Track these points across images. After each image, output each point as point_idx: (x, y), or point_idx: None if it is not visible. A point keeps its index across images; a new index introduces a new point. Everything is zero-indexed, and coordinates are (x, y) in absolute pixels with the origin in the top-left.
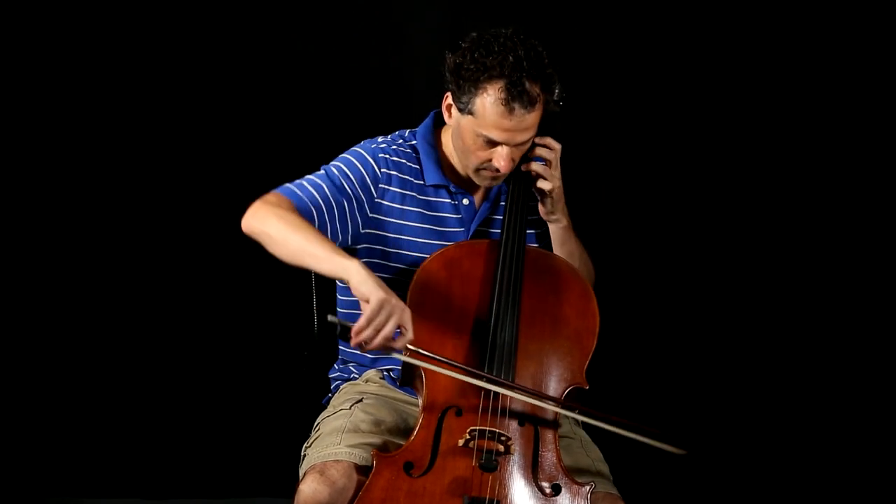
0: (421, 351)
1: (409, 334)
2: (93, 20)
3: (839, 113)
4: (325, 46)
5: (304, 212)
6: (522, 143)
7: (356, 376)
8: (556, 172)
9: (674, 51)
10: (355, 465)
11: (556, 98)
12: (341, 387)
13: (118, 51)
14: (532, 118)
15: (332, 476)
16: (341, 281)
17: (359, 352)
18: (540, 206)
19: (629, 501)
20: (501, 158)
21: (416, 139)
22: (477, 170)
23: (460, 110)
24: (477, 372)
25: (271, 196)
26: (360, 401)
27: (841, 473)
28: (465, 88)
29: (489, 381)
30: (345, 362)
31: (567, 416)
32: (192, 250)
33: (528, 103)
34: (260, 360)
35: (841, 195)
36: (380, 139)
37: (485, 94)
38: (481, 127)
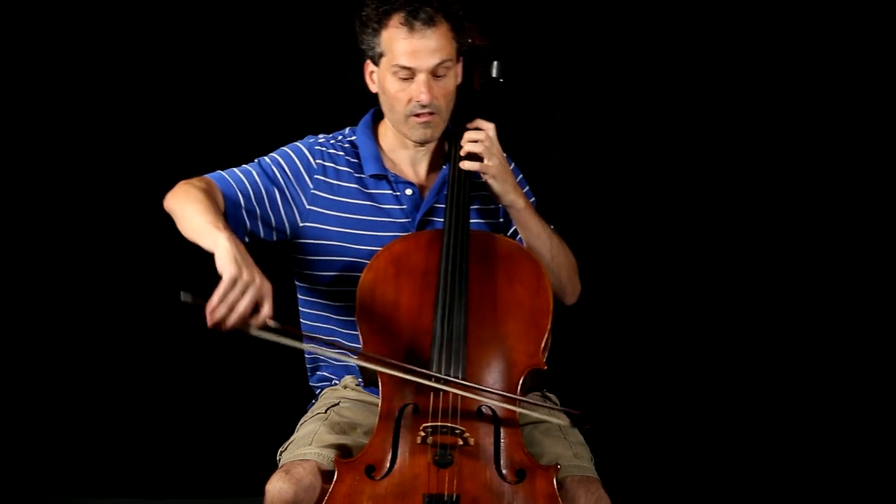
0: (288, 330)
1: (266, 309)
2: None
3: (839, 113)
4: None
5: (228, 194)
6: (436, 70)
7: (336, 382)
8: (493, 151)
9: (674, 51)
10: (322, 470)
11: (464, 27)
12: (323, 392)
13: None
14: (436, 37)
15: (298, 474)
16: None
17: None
18: (490, 190)
19: (613, 487)
20: (420, 87)
21: (355, 135)
22: (407, 119)
23: (374, 60)
24: (387, 360)
25: (196, 179)
26: (337, 405)
27: (836, 473)
28: (372, 34)
29: (427, 376)
30: (314, 371)
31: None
32: (191, 254)
33: (428, 20)
34: (260, 362)
35: (841, 195)
36: (320, 136)
37: (388, 28)
38: (392, 59)
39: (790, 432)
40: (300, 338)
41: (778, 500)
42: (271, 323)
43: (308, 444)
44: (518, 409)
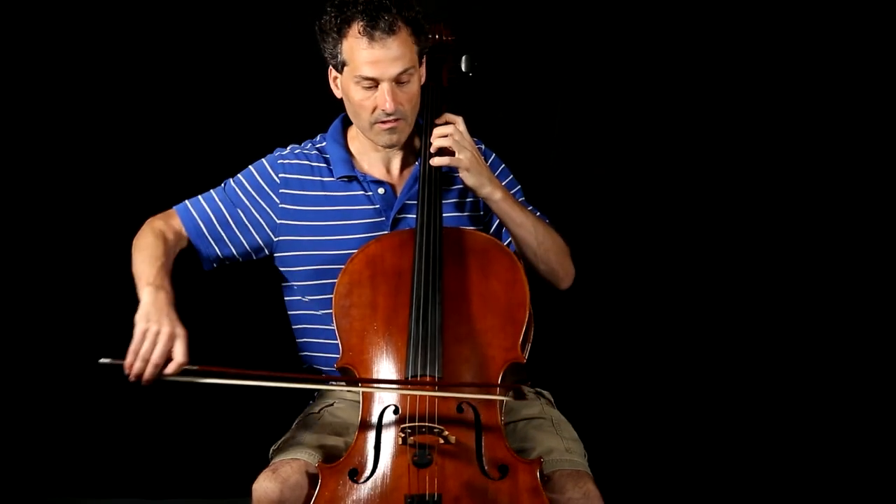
0: (212, 370)
1: (178, 357)
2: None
3: (839, 113)
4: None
5: (189, 225)
6: (399, 78)
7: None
8: (464, 143)
9: (674, 51)
10: (309, 472)
11: (424, 30)
12: (320, 393)
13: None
14: (398, 45)
15: (284, 473)
16: None
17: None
18: (464, 183)
19: (610, 484)
20: (384, 96)
21: (325, 141)
22: (372, 126)
23: (338, 69)
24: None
25: (159, 216)
26: (332, 405)
27: (833, 474)
28: (333, 43)
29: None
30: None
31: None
32: (190, 254)
33: (388, 28)
34: (261, 364)
35: (841, 195)
36: (288, 147)
37: (348, 37)
38: (355, 69)
39: (784, 431)
40: (230, 375)
41: (771, 498)
42: (189, 367)
43: (298, 444)
44: (496, 398)
